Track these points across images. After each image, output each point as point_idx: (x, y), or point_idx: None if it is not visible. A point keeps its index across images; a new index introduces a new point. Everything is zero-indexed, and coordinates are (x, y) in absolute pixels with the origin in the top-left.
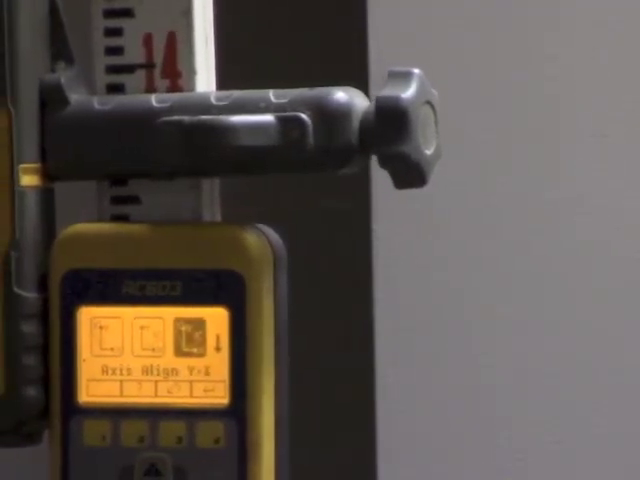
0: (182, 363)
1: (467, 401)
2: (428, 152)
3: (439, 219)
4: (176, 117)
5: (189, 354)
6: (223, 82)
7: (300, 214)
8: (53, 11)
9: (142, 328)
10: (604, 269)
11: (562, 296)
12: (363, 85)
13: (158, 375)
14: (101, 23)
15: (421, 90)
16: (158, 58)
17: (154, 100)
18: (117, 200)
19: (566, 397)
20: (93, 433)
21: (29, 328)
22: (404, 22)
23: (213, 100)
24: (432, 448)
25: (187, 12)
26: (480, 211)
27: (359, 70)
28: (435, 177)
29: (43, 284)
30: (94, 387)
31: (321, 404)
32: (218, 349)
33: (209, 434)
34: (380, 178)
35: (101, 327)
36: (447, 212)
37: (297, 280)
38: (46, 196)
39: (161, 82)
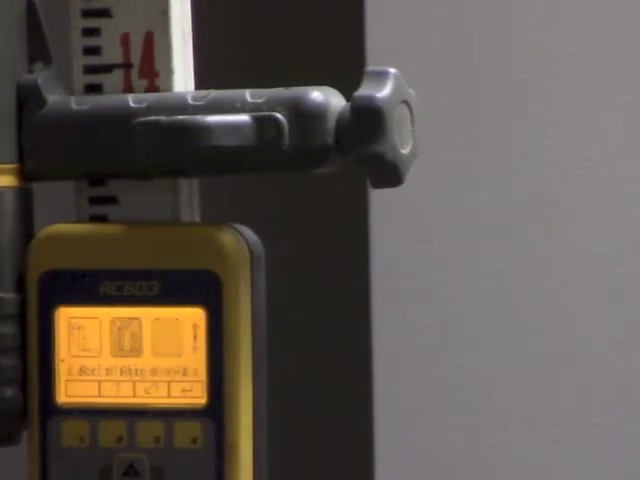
0: (160, 363)
1: (467, 401)
2: (404, 151)
3: (438, 219)
4: (152, 117)
5: (167, 354)
6: (224, 80)
7: (298, 214)
8: (30, 11)
9: (120, 328)
10: (605, 269)
11: (562, 296)
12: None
13: (136, 375)
14: (79, 23)
15: (397, 89)
16: (136, 58)
17: (131, 100)
18: (95, 200)
19: (566, 397)
20: (71, 434)
21: (6, 329)
22: (403, 21)
23: (190, 100)
24: (431, 448)
25: (165, 12)
26: (480, 211)
27: (357, 70)
28: (435, 177)
29: (20, 284)
30: (72, 387)
31: (320, 404)
32: (195, 349)
33: (187, 434)
34: None
35: (79, 327)
36: (446, 212)
37: (296, 280)
38: (24, 196)
39: (139, 82)
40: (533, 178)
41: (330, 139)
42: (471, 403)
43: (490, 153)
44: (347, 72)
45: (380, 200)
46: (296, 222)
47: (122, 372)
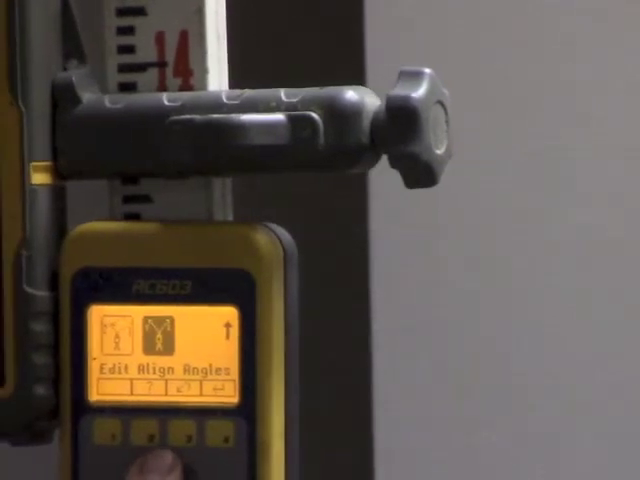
0: (192, 362)
1: (466, 401)
2: (439, 152)
3: (438, 219)
4: (187, 116)
5: (199, 353)
6: (232, 80)
7: (298, 213)
8: (65, 10)
9: (152, 327)
10: (605, 269)
11: (562, 296)
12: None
13: (168, 374)
14: (113, 22)
15: (432, 90)
16: (170, 56)
17: (165, 99)
18: (129, 199)
19: (566, 397)
20: (103, 432)
21: (39, 326)
22: (403, 21)
23: (224, 99)
24: (431, 448)
25: (199, 10)
26: (480, 211)
27: (357, 70)
28: None
29: (54, 282)
30: (104, 386)
31: (320, 404)
32: (228, 348)
33: (219, 433)
34: (377, 178)
35: (111, 325)
36: (447, 212)
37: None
38: (57, 194)
39: (173, 81)
40: (534, 176)
41: (365, 139)
42: (471, 403)
43: (490, 153)
44: (347, 72)
45: (380, 200)
46: (296, 222)
47: (154, 370)
